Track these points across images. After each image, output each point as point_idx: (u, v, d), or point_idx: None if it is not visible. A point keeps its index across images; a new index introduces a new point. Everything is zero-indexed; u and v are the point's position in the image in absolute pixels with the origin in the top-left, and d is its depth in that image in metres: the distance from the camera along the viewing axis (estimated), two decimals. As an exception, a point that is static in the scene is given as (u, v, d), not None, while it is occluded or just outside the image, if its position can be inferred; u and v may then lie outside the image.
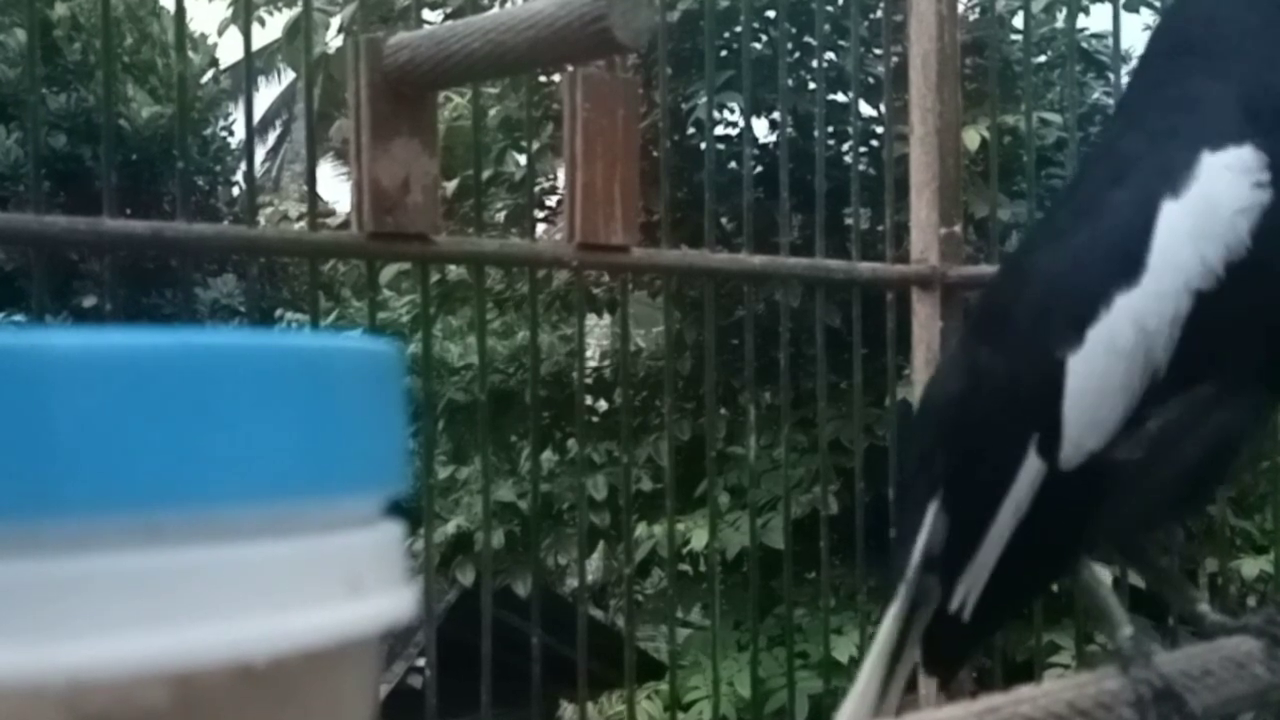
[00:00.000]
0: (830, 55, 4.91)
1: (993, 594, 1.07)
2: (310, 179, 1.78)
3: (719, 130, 5.28)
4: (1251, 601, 4.64)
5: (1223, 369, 1.00)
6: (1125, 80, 1.89)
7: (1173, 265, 0.98)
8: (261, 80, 11.56)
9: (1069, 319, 1.02)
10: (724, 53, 4.75)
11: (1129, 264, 1.00)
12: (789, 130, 3.27)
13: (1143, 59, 1.14)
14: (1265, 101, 1.02)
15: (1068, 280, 1.04)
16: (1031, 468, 1.04)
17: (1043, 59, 5.52)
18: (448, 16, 5.19)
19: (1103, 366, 1.00)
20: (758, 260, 1.94)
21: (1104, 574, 1.11)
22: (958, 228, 2.05)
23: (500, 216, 5.59)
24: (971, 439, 1.09)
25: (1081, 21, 4.94)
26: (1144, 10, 4.74)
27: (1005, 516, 1.05)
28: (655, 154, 2.77)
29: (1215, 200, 0.98)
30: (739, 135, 5.12)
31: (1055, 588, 3.04)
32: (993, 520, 1.06)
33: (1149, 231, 0.99)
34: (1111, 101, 3.34)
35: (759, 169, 4.57)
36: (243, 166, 7.46)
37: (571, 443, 5.36)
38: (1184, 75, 1.06)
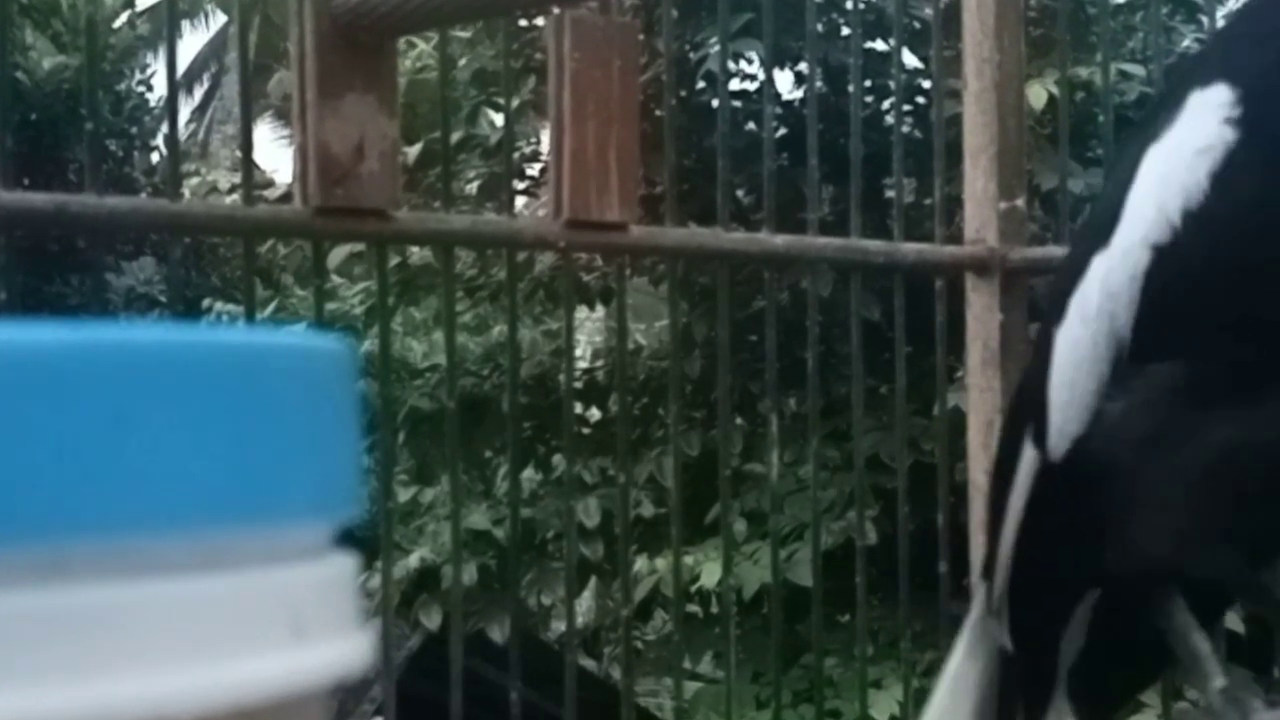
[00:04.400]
0: (868, -5, 4.91)
1: (1019, 617, 1.09)
2: (245, 143, 1.78)
3: (734, 85, 5.29)
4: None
5: (1196, 348, 0.98)
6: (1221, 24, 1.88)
7: (1137, 216, 0.99)
8: (186, 26, 11.57)
9: (1065, 287, 1.04)
10: (740, -8, 4.75)
11: (1110, 220, 1.01)
12: (818, 85, 3.27)
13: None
14: None
15: (1073, 245, 1.06)
16: (1029, 458, 1.06)
17: (1122, 0, 5.53)
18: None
19: (1074, 336, 1.02)
20: (781, 240, 1.94)
21: (1190, 619, 1.10)
22: (1020, 201, 2.05)
23: (472, 188, 5.60)
24: (1003, 432, 1.14)
25: (1169, -46, 4.95)
26: (1243, -59, 4.74)
27: (1011, 516, 1.08)
28: (658, 113, 2.77)
29: (1182, 140, 0.99)
30: (758, 91, 5.11)
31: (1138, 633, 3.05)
32: (1003, 521, 1.08)
33: (1132, 181, 1.01)
34: (1204, 50, 3.33)
35: (783, 131, 4.58)
36: (164, 129, 7.46)
37: (558, 459, 5.36)
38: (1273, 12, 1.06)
